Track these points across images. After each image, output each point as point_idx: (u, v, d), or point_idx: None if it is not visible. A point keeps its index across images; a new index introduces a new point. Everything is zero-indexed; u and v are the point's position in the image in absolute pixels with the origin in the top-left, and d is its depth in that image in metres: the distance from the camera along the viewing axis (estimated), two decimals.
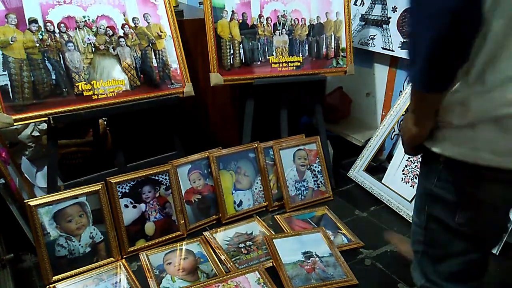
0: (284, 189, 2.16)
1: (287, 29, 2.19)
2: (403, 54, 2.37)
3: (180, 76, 2.01)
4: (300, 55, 2.24)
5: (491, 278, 1.73)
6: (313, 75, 2.27)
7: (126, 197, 1.82)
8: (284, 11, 2.18)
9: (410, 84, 0.91)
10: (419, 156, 1.08)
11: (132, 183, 1.84)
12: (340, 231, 1.99)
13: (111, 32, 1.83)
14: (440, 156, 0.96)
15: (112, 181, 1.78)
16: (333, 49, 2.30)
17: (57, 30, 1.71)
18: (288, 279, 1.65)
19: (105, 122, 2.43)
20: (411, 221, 1.24)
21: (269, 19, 2.16)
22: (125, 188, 1.82)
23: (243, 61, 2.13)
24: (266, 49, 2.17)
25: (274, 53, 2.18)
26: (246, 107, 2.22)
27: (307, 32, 2.24)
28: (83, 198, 1.72)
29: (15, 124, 1.62)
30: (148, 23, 1.94)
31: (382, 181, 2.32)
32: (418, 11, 0.77)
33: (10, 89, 1.60)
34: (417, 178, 1.12)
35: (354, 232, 1.97)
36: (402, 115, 2.35)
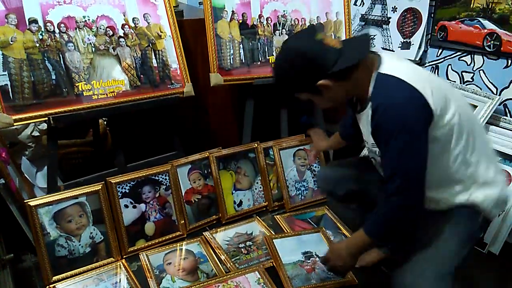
0: (284, 189, 2.16)
1: (287, 29, 2.19)
2: (403, 54, 2.37)
3: (180, 76, 2.01)
4: None
5: (491, 277, 1.74)
6: None
7: (126, 197, 1.82)
8: (284, 11, 2.18)
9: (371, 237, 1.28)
10: None
11: (132, 183, 1.84)
12: (340, 231, 1.99)
13: (111, 32, 1.83)
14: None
15: (112, 181, 1.78)
16: None
17: (57, 30, 1.71)
18: (288, 279, 1.65)
19: (105, 122, 2.43)
20: None
21: (269, 19, 2.16)
22: (125, 188, 1.82)
23: (243, 61, 2.13)
24: (266, 49, 2.17)
25: (274, 53, 2.19)
26: (246, 107, 2.23)
27: None
28: (83, 198, 1.72)
29: (15, 124, 1.62)
30: (148, 23, 1.94)
31: None
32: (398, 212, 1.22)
33: (10, 89, 1.61)
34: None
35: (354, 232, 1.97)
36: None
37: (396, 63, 1.23)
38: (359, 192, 1.57)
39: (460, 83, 2.21)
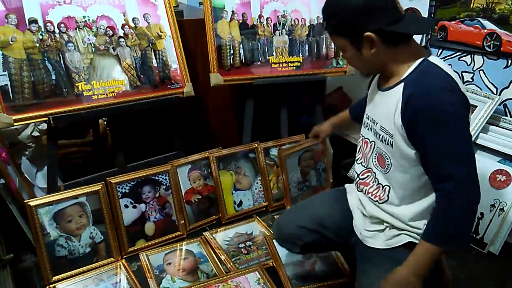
0: (287, 195, 2.08)
1: (287, 29, 2.19)
2: None
3: (180, 76, 2.01)
4: (300, 55, 2.24)
5: (491, 277, 1.74)
6: (313, 75, 2.27)
7: (126, 197, 1.82)
8: (284, 11, 2.18)
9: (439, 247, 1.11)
10: None
11: (132, 183, 1.84)
12: None
13: (111, 32, 1.83)
14: None
15: (112, 181, 1.78)
16: (333, 49, 2.30)
17: (57, 30, 1.71)
18: (287, 279, 1.65)
19: (105, 122, 2.43)
20: None
21: (269, 19, 2.16)
22: (125, 188, 1.82)
23: (243, 61, 2.13)
24: (266, 49, 2.17)
25: (274, 53, 2.18)
26: (246, 107, 2.23)
27: (307, 32, 2.24)
28: (83, 198, 1.72)
29: (15, 124, 1.62)
30: (148, 23, 1.94)
31: None
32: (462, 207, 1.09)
33: (10, 89, 1.61)
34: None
35: None
36: None
37: (443, 63, 1.20)
38: (314, 243, 1.48)
39: None
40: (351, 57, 1.21)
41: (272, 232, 1.68)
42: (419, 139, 1.11)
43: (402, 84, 1.14)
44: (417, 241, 1.17)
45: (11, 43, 1.61)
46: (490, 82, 2.09)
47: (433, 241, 1.10)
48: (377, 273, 1.19)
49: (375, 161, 1.27)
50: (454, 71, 2.22)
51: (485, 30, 2.02)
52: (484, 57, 2.08)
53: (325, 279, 1.66)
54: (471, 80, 2.17)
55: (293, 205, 1.44)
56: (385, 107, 1.19)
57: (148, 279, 1.66)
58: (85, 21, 1.78)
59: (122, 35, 1.86)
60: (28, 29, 1.65)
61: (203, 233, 1.95)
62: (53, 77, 1.70)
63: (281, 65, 2.20)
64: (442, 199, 1.10)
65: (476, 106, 2.05)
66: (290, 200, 2.11)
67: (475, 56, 2.12)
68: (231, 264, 1.76)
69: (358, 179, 1.36)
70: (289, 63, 2.22)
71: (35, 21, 1.66)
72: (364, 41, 1.14)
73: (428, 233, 1.12)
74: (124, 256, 1.79)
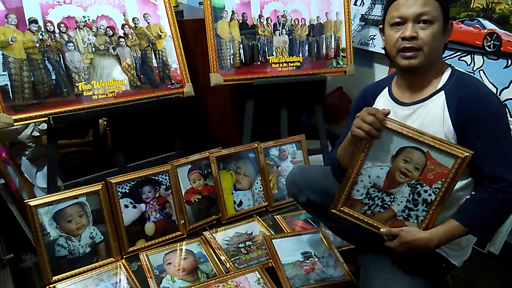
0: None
1: (287, 29, 2.19)
2: None
3: (180, 76, 2.01)
4: (300, 55, 2.24)
5: (491, 277, 1.74)
6: (313, 75, 2.27)
7: (126, 197, 1.82)
8: (284, 11, 2.18)
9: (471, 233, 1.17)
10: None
11: (132, 183, 1.84)
12: None
13: (111, 32, 1.83)
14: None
15: (112, 181, 1.78)
16: (333, 49, 2.30)
17: (57, 30, 1.71)
18: (286, 280, 1.64)
19: (105, 122, 2.43)
20: None
21: (269, 19, 2.16)
22: (125, 188, 1.82)
23: (243, 61, 2.13)
24: (266, 49, 2.17)
25: (274, 53, 2.19)
26: (246, 107, 2.23)
27: (307, 32, 2.24)
28: (83, 198, 1.72)
29: (15, 124, 1.62)
30: (148, 23, 1.94)
31: None
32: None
33: (10, 89, 1.61)
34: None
35: None
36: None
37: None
38: (318, 205, 1.47)
39: None
40: (435, 32, 1.15)
41: (291, 193, 1.59)
42: (471, 141, 1.13)
43: (442, 92, 1.18)
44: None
45: (11, 43, 1.61)
46: (490, 82, 2.09)
47: (468, 226, 1.14)
48: (394, 276, 1.19)
49: None
50: None
51: (485, 30, 2.02)
52: (484, 57, 2.08)
53: (324, 280, 1.66)
54: None
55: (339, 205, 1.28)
56: (428, 117, 1.19)
57: (148, 279, 1.66)
58: (85, 21, 1.78)
59: (122, 35, 1.86)
60: (28, 29, 1.65)
61: (203, 233, 1.95)
62: (53, 77, 1.70)
63: (281, 65, 2.20)
64: (490, 194, 1.13)
65: None
66: (340, 199, 1.28)
67: (475, 56, 2.12)
68: (231, 264, 1.76)
69: None
70: (289, 63, 2.22)
71: (35, 21, 1.66)
72: (448, 24, 1.18)
73: (465, 217, 1.15)
74: (124, 256, 1.79)
